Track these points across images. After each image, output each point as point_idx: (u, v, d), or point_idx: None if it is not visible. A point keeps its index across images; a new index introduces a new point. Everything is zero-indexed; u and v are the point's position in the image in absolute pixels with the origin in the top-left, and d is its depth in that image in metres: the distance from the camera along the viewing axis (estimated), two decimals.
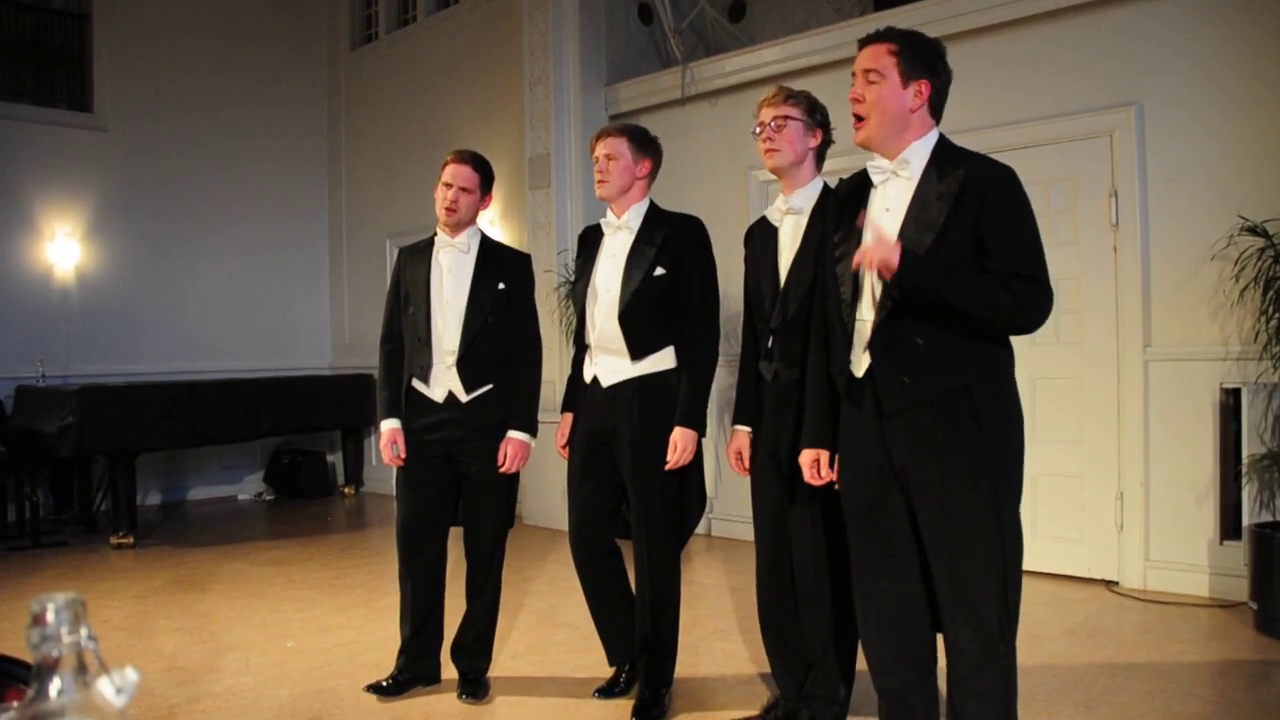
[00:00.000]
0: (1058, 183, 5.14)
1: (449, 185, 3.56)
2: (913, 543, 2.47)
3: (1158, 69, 4.84)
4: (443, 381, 3.55)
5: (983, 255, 2.36)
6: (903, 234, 2.40)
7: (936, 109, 2.51)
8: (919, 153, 2.46)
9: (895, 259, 2.29)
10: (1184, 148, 4.78)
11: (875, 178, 2.52)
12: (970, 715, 2.38)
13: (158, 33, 8.56)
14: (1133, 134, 4.87)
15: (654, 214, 3.39)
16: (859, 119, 2.48)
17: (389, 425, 3.62)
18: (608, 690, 3.56)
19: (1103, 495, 5.01)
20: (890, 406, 2.42)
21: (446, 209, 3.56)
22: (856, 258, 2.38)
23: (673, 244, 3.30)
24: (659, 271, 3.28)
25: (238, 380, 7.87)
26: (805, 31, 6.24)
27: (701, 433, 3.30)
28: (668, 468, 3.25)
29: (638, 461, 3.29)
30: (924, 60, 2.46)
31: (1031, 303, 2.35)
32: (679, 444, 3.24)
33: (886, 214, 2.48)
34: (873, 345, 2.44)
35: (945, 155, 2.46)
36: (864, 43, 2.52)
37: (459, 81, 8.31)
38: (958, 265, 2.35)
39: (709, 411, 6.39)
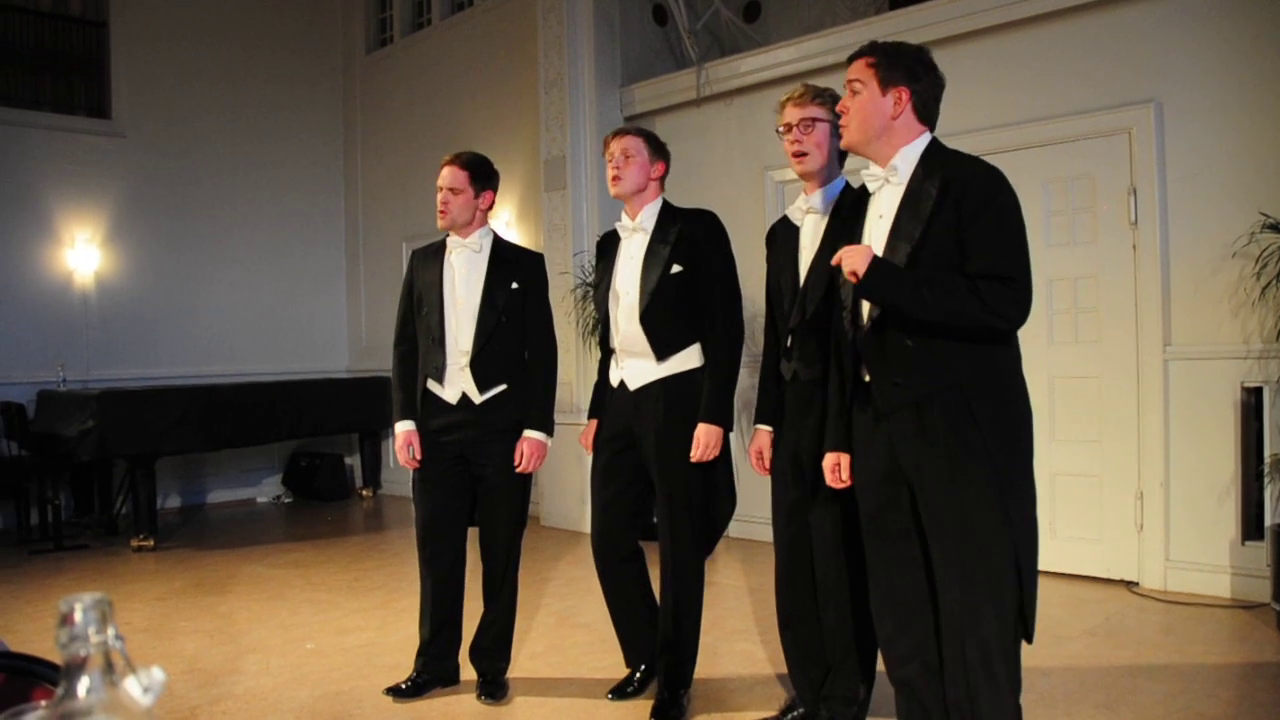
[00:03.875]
0: (1076, 181, 5.11)
1: (439, 189, 3.60)
2: (921, 539, 2.51)
3: (1176, 66, 4.81)
4: (456, 382, 3.56)
5: (963, 256, 2.39)
6: (892, 238, 2.45)
7: (924, 114, 2.55)
8: (907, 158, 2.52)
9: (861, 266, 2.33)
10: (1203, 145, 4.74)
11: (871, 185, 2.59)
12: (981, 709, 2.40)
13: (174, 39, 8.62)
14: (1151, 131, 4.84)
15: (668, 212, 3.40)
16: (841, 126, 2.57)
17: (404, 427, 3.63)
18: (620, 690, 3.56)
19: (1122, 495, 4.98)
20: (885, 408, 2.48)
21: (439, 212, 3.61)
22: (835, 259, 2.43)
23: (688, 240, 3.29)
24: (676, 269, 3.27)
25: (256, 384, 7.92)
26: (820, 31, 6.23)
27: (727, 428, 3.29)
28: (692, 460, 3.24)
29: (664, 462, 3.29)
30: (901, 68, 2.51)
31: (1002, 303, 2.34)
32: (702, 439, 3.23)
33: (880, 220, 2.53)
34: (865, 348, 2.50)
35: (933, 158, 2.50)
36: (850, 59, 2.59)
37: (474, 84, 8.33)
38: (939, 268, 2.38)
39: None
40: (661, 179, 3.43)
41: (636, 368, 3.35)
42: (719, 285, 3.30)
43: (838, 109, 2.58)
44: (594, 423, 3.53)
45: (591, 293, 3.53)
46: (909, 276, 2.35)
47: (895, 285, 2.35)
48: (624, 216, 3.44)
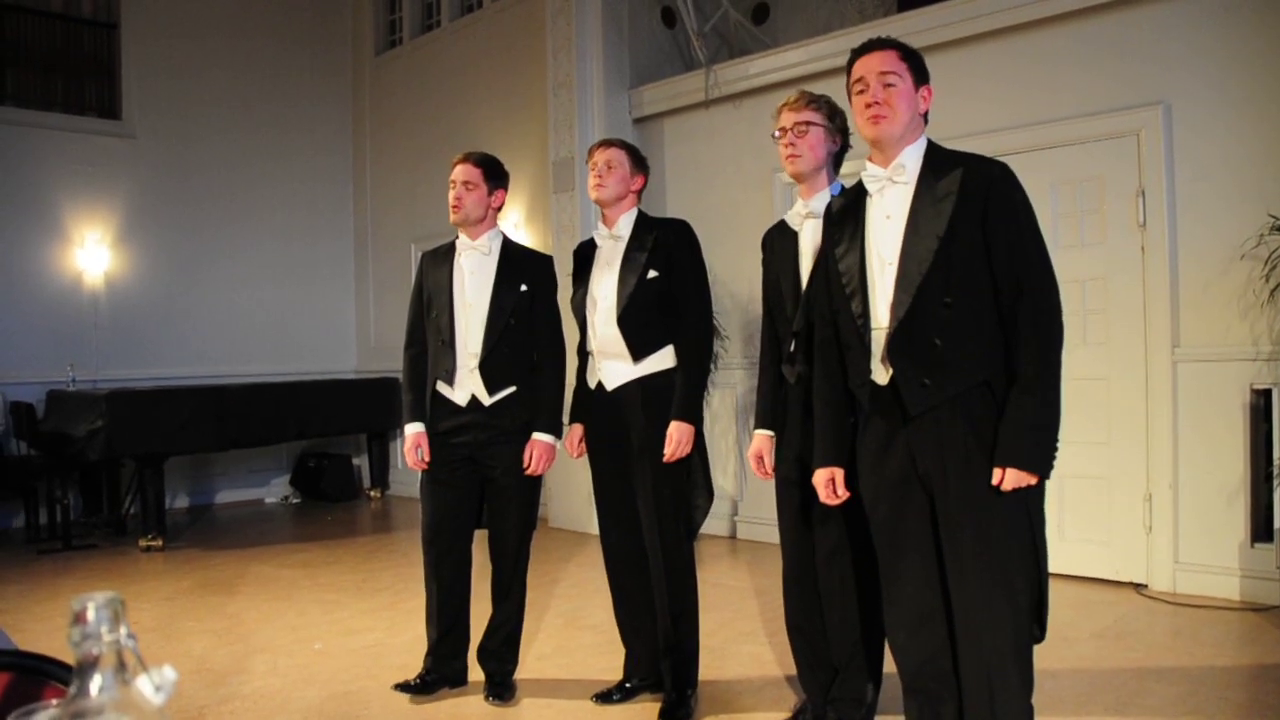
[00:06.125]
0: (1084, 182, 5.10)
1: (453, 183, 3.63)
2: (934, 544, 2.50)
3: (1185, 67, 4.79)
4: (465, 385, 3.57)
5: (990, 257, 2.40)
6: (912, 235, 2.44)
7: (928, 116, 2.58)
8: (913, 157, 2.51)
9: (1029, 480, 2.35)
10: (1212, 146, 4.73)
11: (871, 186, 2.55)
12: (997, 711, 2.40)
13: (185, 41, 8.66)
14: (1160, 133, 4.83)
15: (643, 221, 3.50)
16: (881, 116, 2.48)
17: (413, 429, 3.64)
18: (605, 696, 3.55)
19: (1131, 497, 4.96)
20: (914, 410, 2.44)
21: (452, 206, 3.63)
22: (1007, 488, 2.37)
23: (663, 247, 3.39)
24: (652, 274, 3.37)
25: (264, 384, 7.94)
26: (829, 33, 6.22)
27: (698, 426, 3.36)
28: (665, 458, 3.28)
29: (647, 464, 3.34)
30: (923, 68, 2.55)
31: (1049, 330, 2.43)
32: (674, 436, 3.28)
33: (888, 221, 2.51)
34: (891, 351, 2.46)
35: (938, 157, 2.51)
36: (865, 50, 2.55)
37: (483, 86, 8.34)
38: (964, 264, 2.39)
39: (733, 415, 6.35)
40: (640, 191, 3.53)
41: (613, 369, 3.42)
42: (691, 290, 3.40)
43: (872, 100, 2.49)
44: (578, 427, 3.58)
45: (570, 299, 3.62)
46: (1030, 422, 2.39)
47: (1042, 439, 2.42)
48: (600, 225, 3.54)
